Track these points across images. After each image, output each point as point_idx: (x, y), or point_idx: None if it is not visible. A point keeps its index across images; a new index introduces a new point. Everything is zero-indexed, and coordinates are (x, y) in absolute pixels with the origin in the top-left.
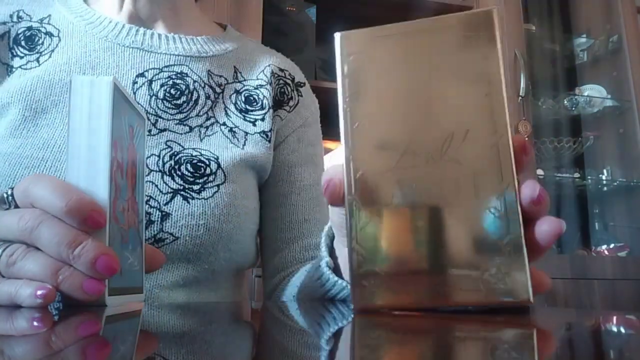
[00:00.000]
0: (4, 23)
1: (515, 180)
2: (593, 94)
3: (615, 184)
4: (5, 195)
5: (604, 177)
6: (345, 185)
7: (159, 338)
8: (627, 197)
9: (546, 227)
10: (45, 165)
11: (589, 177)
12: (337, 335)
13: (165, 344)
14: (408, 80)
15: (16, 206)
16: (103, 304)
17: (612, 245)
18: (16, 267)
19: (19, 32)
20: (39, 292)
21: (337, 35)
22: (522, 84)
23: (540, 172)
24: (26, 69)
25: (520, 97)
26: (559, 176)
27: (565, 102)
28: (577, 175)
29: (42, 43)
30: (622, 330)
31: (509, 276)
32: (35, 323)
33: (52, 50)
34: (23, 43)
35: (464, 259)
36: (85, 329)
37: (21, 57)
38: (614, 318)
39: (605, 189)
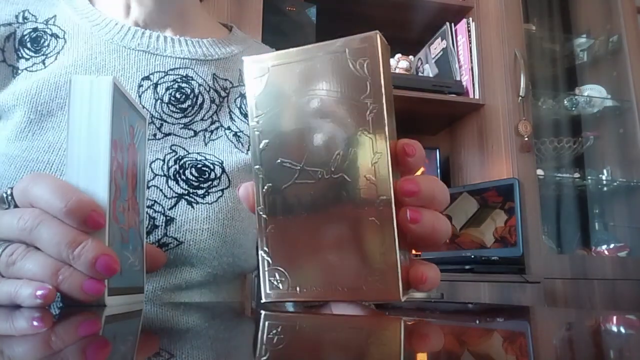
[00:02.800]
0: (10, 24)
1: (390, 190)
2: (593, 94)
3: (615, 184)
4: (4, 195)
5: (604, 177)
6: (255, 197)
7: (159, 338)
8: (627, 197)
9: (408, 214)
10: (50, 169)
11: (589, 177)
12: (343, 329)
13: (166, 344)
14: (304, 103)
15: (15, 206)
16: (103, 304)
17: (612, 245)
18: (16, 267)
19: (24, 33)
20: (38, 292)
21: (245, 60)
22: (522, 84)
23: (540, 172)
24: (32, 71)
25: (520, 97)
26: (559, 176)
27: (565, 102)
28: (577, 175)
29: (48, 45)
30: (622, 330)
31: (383, 277)
32: (35, 323)
33: (58, 53)
34: (29, 45)
35: (350, 262)
36: (85, 329)
37: (27, 59)
38: (614, 318)
39: (605, 189)
